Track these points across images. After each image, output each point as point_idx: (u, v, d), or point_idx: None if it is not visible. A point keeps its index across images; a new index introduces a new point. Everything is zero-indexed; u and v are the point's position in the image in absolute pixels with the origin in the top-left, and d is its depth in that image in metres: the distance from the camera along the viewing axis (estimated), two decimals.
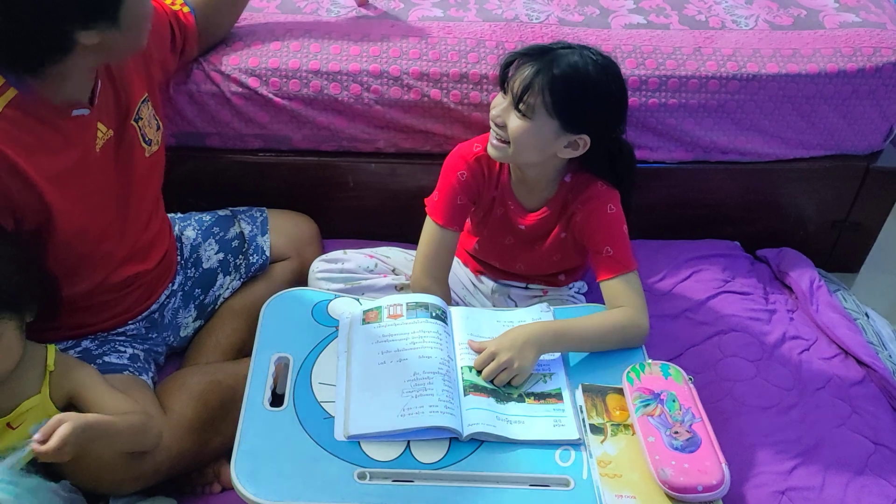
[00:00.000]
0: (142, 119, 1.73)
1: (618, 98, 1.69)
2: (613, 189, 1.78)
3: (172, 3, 1.90)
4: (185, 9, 1.91)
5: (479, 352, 1.63)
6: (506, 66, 1.67)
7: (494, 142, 1.71)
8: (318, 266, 2.00)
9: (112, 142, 1.64)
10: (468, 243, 2.00)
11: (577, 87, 1.62)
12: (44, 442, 1.33)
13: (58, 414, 1.38)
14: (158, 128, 1.80)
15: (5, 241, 1.48)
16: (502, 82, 1.68)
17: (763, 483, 1.68)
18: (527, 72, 1.61)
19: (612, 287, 1.74)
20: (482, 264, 2.02)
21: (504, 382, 1.57)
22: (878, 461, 1.75)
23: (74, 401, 1.58)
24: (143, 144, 1.73)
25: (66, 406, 1.58)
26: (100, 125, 1.60)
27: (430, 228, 1.84)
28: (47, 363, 1.57)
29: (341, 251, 2.04)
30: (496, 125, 1.69)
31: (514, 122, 1.64)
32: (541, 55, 1.63)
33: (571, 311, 1.80)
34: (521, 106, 1.62)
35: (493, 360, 1.59)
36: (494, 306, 1.99)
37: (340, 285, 1.94)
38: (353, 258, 2.01)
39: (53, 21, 1.35)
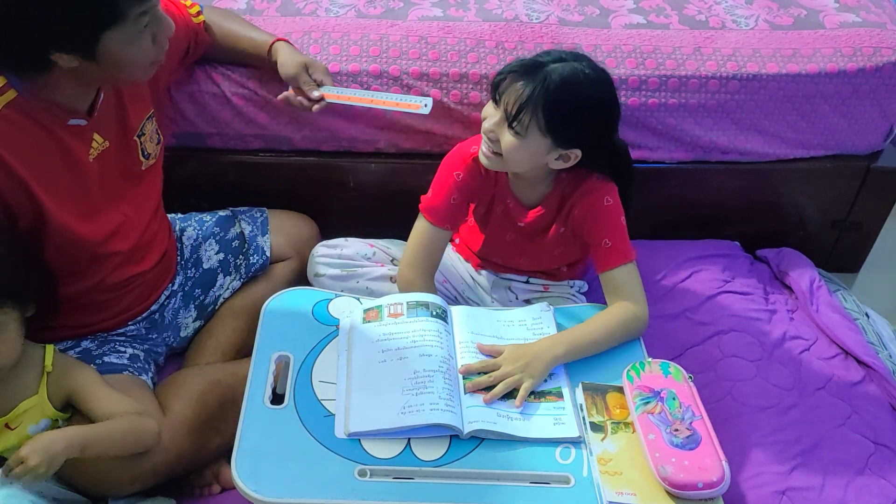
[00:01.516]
0: (144, 135, 1.74)
1: (610, 114, 1.70)
2: (609, 181, 1.78)
3: (199, 14, 1.92)
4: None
5: (489, 354, 1.64)
6: (498, 78, 1.67)
7: (486, 152, 1.71)
8: (319, 251, 2.01)
9: (109, 153, 1.64)
10: (472, 241, 2.00)
11: (571, 107, 1.61)
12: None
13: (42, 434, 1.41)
14: (159, 142, 1.81)
15: (5, 235, 1.49)
16: (494, 93, 1.67)
17: (763, 483, 1.68)
18: (520, 90, 1.60)
19: (611, 278, 1.75)
20: (484, 261, 2.03)
21: (499, 395, 1.56)
22: (879, 461, 1.75)
23: (73, 401, 1.58)
24: (142, 158, 1.74)
25: (65, 406, 1.59)
26: (96, 136, 1.61)
27: (421, 225, 1.85)
28: (45, 364, 1.57)
29: (343, 238, 2.05)
30: (489, 139, 1.69)
31: (507, 139, 1.64)
32: (533, 70, 1.61)
33: (572, 310, 1.81)
34: (514, 125, 1.62)
35: (494, 368, 1.60)
36: (494, 300, 2.00)
37: (337, 271, 1.96)
38: (353, 245, 2.03)
39: (31, 38, 1.36)
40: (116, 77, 1.52)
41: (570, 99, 1.60)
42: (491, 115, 1.68)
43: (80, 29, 1.36)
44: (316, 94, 1.91)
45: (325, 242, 2.04)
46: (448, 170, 1.82)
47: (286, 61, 1.91)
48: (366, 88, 2.02)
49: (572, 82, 1.60)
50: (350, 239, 2.05)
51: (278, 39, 1.95)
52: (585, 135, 1.66)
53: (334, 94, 1.92)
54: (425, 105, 1.91)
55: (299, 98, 1.91)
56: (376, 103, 1.93)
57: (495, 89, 1.66)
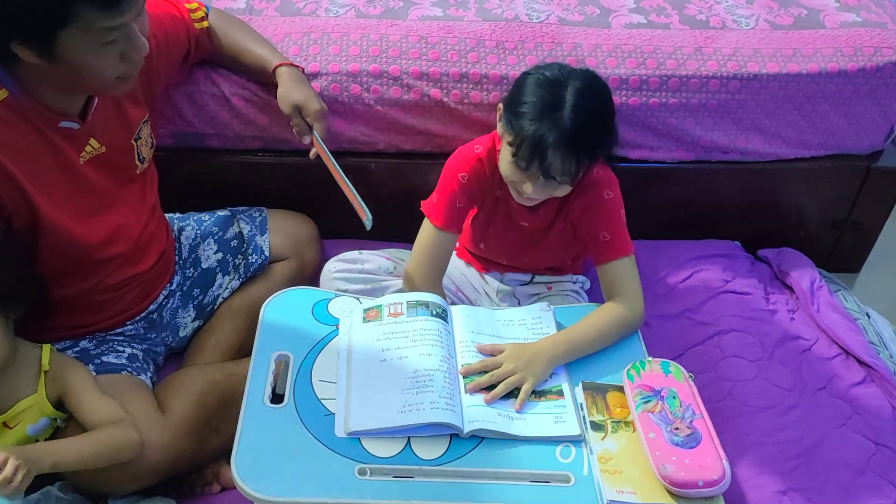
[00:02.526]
0: (140, 139, 1.74)
1: (612, 110, 1.70)
2: (609, 171, 1.78)
3: (202, 20, 1.91)
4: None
5: (491, 353, 1.64)
6: (532, 159, 1.59)
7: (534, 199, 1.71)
8: (335, 266, 1.96)
9: (103, 158, 1.64)
10: (473, 243, 1.99)
11: (602, 131, 1.63)
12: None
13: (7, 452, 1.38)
14: (152, 146, 1.81)
15: None
16: (533, 169, 1.60)
17: (764, 483, 1.68)
18: (565, 161, 1.57)
19: (608, 272, 1.75)
20: (488, 262, 2.02)
21: (500, 395, 1.56)
22: (879, 461, 1.75)
23: (64, 402, 1.59)
24: (137, 162, 1.74)
25: (62, 404, 1.59)
26: (92, 140, 1.61)
27: (427, 230, 1.84)
28: (42, 363, 1.57)
29: (356, 252, 2.02)
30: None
31: (565, 188, 1.66)
32: (563, 139, 1.55)
33: (572, 310, 1.80)
34: (568, 179, 1.62)
35: (494, 367, 1.60)
36: (500, 306, 1.98)
37: (360, 286, 1.91)
38: (373, 259, 1.99)
39: None
40: (79, 84, 1.50)
41: (599, 124, 1.62)
42: (533, 183, 1.64)
43: (34, 22, 1.34)
44: (306, 139, 1.89)
45: (339, 257, 2.00)
46: (452, 172, 1.81)
47: (282, 97, 1.89)
48: (334, 159, 1.91)
49: (594, 111, 1.60)
50: (364, 253, 2.02)
51: (282, 64, 1.92)
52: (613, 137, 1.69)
53: (319, 148, 1.87)
54: (368, 219, 1.80)
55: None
56: (340, 183, 1.86)
57: (537, 165, 1.59)
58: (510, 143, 1.62)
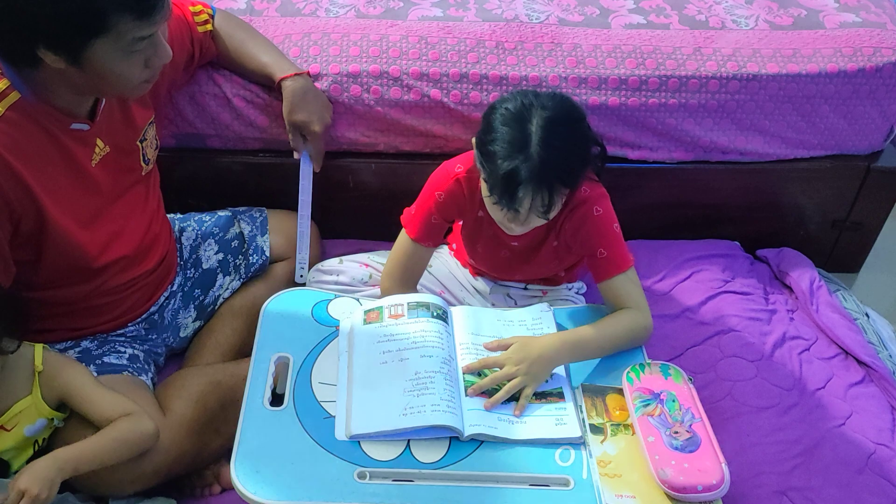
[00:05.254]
0: (146, 140, 1.74)
1: (588, 130, 1.64)
2: (598, 187, 1.74)
3: (206, 23, 1.91)
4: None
5: (496, 350, 1.63)
6: (504, 198, 1.56)
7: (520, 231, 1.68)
8: (314, 276, 2.01)
9: (109, 158, 1.64)
10: (467, 253, 1.99)
11: (575, 157, 1.58)
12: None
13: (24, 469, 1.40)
14: (156, 147, 1.82)
15: None
16: (505, 206, 1.58)
17: (763, 483, 1.69)
18: (537, 196, 1.53)
19: (611, 288, 1.73)
20: (480, 271, 2.02)
21: (501, 400, 1.56)
22: (879, 461, 1.75)
23: (66, 402, 1.58)
24: (142, 163, 1.75)
25: (60, 405, 1.59)
26: (98, 141, 1.61)
27: (403, 240, 1.84)
28: (35, 363, 1.56)
29: (337, 260, 2.04)
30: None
31: (541, 220, 1.62)
32: (533, 172, 1.51)
33: (571, 311, 1.81)
34: (549, 214, 1.59)
35: (496, 365, 1.60)
36: (493, 305, 1.99)
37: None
38: (348, 269, 2.00)
39: (19, 29, 1.35)
40: (101, 88, 1.51)
41: (570, 152, 1.57)
42: (511, 219, 1.61)
43: (67, 31, 1.35)
44: (296, 156, 2.01)
45: (319, 266, 2.03)
46: (431, 189, 1.79)
47: (285, 114, 1.95)
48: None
49: (563, 140, 1.54)
50: (344, 261, 2.03)
51: (286, 77, 1.93)
52: (590, 153, 1.64)
53: (301, 172, 2.04)
54: (302, 276, 2.05)
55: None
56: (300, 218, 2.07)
57: (513, 204, 1.55)
58: (485, 181, 1.60)
